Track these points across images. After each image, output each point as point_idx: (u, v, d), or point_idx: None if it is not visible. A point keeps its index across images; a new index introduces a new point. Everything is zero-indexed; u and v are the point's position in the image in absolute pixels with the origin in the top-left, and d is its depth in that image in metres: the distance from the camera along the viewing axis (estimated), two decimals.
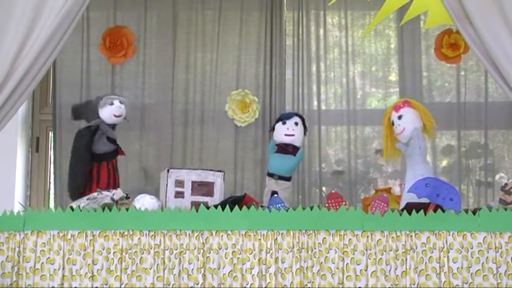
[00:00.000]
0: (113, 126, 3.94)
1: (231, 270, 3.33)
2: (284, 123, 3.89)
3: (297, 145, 3.86)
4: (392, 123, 3.80)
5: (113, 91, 4.83)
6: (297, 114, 3.96)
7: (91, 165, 3.83)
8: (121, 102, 3.93)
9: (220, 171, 3.72)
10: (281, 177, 3.83)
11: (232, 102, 4.77)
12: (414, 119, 3.75)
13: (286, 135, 3.87)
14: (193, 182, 3.65)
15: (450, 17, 3.46)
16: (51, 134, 4.92)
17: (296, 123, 3.88)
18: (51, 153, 4.92)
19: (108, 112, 3.89)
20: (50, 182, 4.92)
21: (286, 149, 3.85)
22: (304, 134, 3.93)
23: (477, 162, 4.81)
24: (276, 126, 3.92)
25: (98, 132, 3.87)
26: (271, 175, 3.86)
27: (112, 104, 3.90)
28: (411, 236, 3.34)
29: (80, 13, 3.48)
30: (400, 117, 3.77)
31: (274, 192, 3.79)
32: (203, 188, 3.65)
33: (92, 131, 3.86)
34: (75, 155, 3.86)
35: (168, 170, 3.65)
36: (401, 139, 3.78)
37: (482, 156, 4.79)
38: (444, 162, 4.85)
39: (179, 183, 3.63)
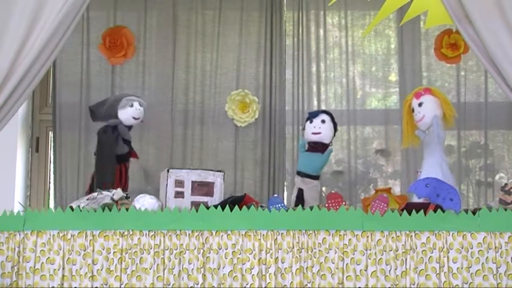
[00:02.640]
0: (129, 127, 3.95)
1: (231, 270, 3.33)
2: (311, 121, 3.91)
3: (326, 142, 3.90)
4: (413, 110, 3.81)
5: (112, 91, 4.83)
6: (325, 112, 3.97)
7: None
8: (140, 105, 3.99)
9: (220, 171, 3.72)
10: (308, 176, 3.85)
11: (232, 102, 4.76)
12: (434, 106, 3.76)
13: (313, 133, 3.89)
14: (193, 182, 3.65)
15: (450, 17, 3.46)
16: (51, 134, 4.91)
17: (323, 121, 3.90)
18: (51, 153, 4.91)
19: (128, 114, 3.95)
20: (50, 182, 4.91)
21: (315, 147, 3.88)
22: (335, 130, 3.94)
23: (477, 162, 4.81)
24: (305, 125, 3.94)
25: (115, 132, 3.88)
26: (298, 173, 3.89)
27: (132, 105, 3.96)
28: (411, 236, 3.34)
29: (80, 13, 3.48)
30: (420, 105, 3.77)
31: (300, 190, 3.81)
32: (203, 188, 3.65)
33: (112, 130, 3.88)
34: (103, 153, 3.89)
35: (168, 170, 3.65)
36: (421, 126, 3.78)
37: (482, 156, 4.79)
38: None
39: (179, 183, 3.63)
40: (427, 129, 3.76)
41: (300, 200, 3.79)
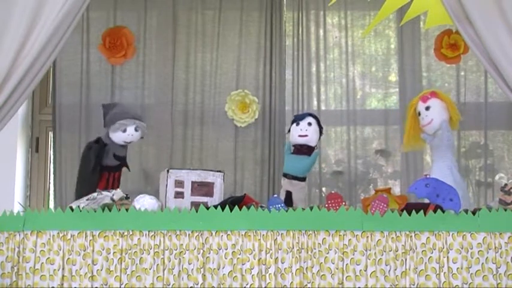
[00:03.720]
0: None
1: (231, 271, 3.33)
2: (298, 124, 3.89)
3: (312, 145, 3.87)
4: (419, 114, 3.80)
5: (112, 91, 4.83)
6: (311, 115, 3.95)
7: None
8: (136, 130, 3.82)
9: (220, 171, 3.72)
10: (295, 178, 3.84)
11: (232, 103, 4.77)
12: (442, 110, 3.75)
13: (299, 136, 3.87)
14: (193, 183, 3.65)
15: (450, 17, 3.46)
16: (51, 134, 4.92)
17: (309, 124, 3.88)
18: (51, 153, 4.92)
19: (118, 138, 3.80)
20: (49, 182, 4.92)
21: (301, 149, 3.86)
22: (320, 133, 3.93)
23: (477, 162, 4.81)
24: (291, 128, 3.93)
25: (106, 146, 3.82)
26: (285, 175, 3.88)
27: (125, 131, 3.80)
28: (411, 236, 3.34)
29: (80, 13, 3.48)
30: (427, 108, 3.76)
31: (288, 192, 3.80)
32: (203, 188, 3.65)
33: (101, 145, 3.81)
34: (83, 173, 3.79)
35: (167, 171, 3.65)
36: (428, 130, 3.77)
37: (482, 156, 4.79)
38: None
39: (179, 183, 3.63)
40: (434, 133, 3.75)
41: (288, 202, 3.77)
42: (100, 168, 3.79)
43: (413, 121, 3.84)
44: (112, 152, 3.81)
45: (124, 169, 3.90)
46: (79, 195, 3.73)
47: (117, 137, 3.81)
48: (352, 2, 4.97)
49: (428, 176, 3.69)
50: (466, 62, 4.83)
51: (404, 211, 3.39)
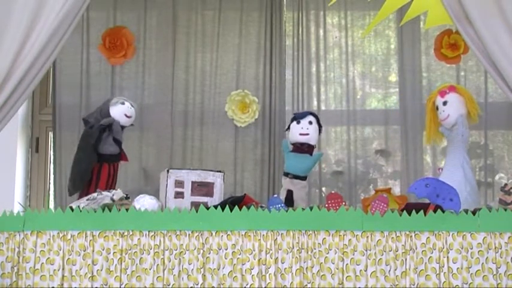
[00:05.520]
0: (121, 128, 3.96)
1: (231, 271, 3.33)
2: (298, 122, 3.90)
3: (312, 144, 3.89)
4: (437, 108, 3.81)
5: (112, 91, 4.83)
6: (311, 113, 3.96)
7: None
8: (131, 106, 4.02)
9: (220, 171, 3.72)
10: (296, 177, 3.84)
11: (232, 103, 4.76)
12: (459, 105, 3.78)
13: (300, 134, 3.88)
14: (193, 183, 3.65)
15: (450, 17, 3.46)
16: (51, 134, 4.92)
17: (310, 122, 3.89)
18: (51, 153, 4.92)
19: (120, 111, 3.95)
20: (49, 182, 4.91)
21: (302, 148, 3.87)
22: (319, 132, 3.94)
23: (477, 162, 4.80)
24: (290, 126, 3.93)
25: (106, 131, 3.88)
26: (286, 174, 3.88)
27: (124, 103, 3.98)
28: (411, 236, 3.34)
29: (80, 13, 3.48)
30: (445, 103, 3.78)
31: (289, 191, 3.81)
32: (203, 188, 3.66)
33: (101, 129, 3.87)
34: (82, 150, 3.88)
35: (167, 171, 3.65)
36: (445, 125, 3.81)
37: (482, 156, 4.79)
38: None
39: (179, 183, 3.64)
40: (451, 127, 3.78)
41: (289, 201, 3.78)
42: (100, 158, 3.82)
43: (432, 114, 3.86)
44: (112, 137, 3.85)
45: (124, 167, 3.93)
46: (76, 172, 3.78)
47: (118, 109, 3.95)
48: (352, 2, 4.96)
49: (441, 170, 3.72)
50: (466, 62, 4.83)
51: (404, 211, 3.39)
